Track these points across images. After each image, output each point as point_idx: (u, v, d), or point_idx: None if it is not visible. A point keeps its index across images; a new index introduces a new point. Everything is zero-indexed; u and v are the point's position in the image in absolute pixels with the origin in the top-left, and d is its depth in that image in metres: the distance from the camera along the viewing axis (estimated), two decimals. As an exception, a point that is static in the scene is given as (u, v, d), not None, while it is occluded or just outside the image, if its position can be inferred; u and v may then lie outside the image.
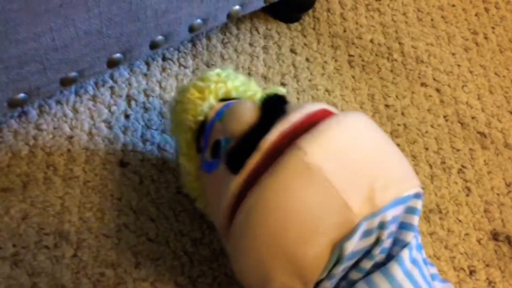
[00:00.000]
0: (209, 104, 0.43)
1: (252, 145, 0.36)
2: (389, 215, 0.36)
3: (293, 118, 0.37)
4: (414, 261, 0.37)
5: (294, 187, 0.35)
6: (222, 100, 0.44)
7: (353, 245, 0.35)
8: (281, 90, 0.43)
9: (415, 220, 0.38)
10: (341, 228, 0.35)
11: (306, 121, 0.37)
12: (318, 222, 0.35)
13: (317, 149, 0.35)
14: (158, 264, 0.50)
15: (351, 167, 0.35)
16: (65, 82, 0.47)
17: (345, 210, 0.34)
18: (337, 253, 0.35)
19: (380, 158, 0.37)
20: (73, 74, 0.47)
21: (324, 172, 0.34)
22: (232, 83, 0.45)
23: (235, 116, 0.39)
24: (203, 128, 0.43)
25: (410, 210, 0.38)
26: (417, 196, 0.38)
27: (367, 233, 0.36)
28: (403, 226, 0.38)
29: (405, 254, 0.36)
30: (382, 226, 0.36)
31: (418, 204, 0.38)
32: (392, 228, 0.37)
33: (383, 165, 0.37)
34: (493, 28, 0.78)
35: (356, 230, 0.34)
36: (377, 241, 0.36)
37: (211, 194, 0.42)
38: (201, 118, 0.43)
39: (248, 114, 0.38)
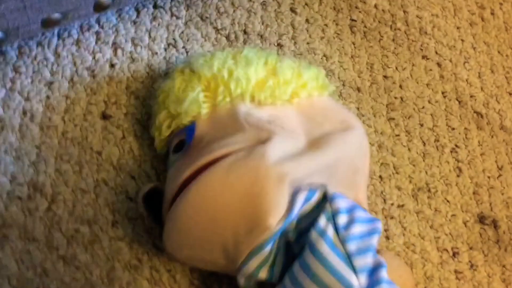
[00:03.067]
0: (163, 140, 0.48)
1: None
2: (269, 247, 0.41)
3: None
4: (321, 233, 0.39)
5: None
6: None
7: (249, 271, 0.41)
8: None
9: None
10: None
11: None
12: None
13: (170, 240, 0.43)
14: (136, 224, 0.48)
15: (206, 233, 0.42)
16: (47, 24, 0.44)
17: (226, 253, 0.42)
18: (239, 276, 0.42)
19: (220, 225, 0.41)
20: (56, 15, 0.43)
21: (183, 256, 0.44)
22: (185, 117, 0.46)
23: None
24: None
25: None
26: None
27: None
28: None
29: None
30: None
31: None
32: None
33: (224, 231, 0.41)
34: (501, 4, 0.75)
35: (245, 265, 0.41)
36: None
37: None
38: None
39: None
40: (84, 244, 0.46)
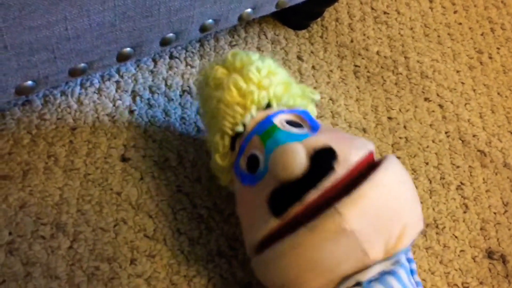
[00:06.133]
0: (250, 116, 0.44)
1: (297, 195, 0.39)
2: (402, 258, 0.41)
3: (339, 175, 0.39)
4: (403, 267, 0.42)
5: (325, 246, 0.38)
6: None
7: (365, 278, 0.39)
8: (312, 94, 0.48)
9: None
10: (356, 269, 0.39)
11: (350, 175, 0.40)
12: (338, 270, 0.39)
13: (354, 214, 0.37)
14: (154, 261, 0.50)
15: (377, 223, 0.39)
16: (74, 73, 0.47)
17: (363, 257, 0.39)
18: (347, 282, 0.39)
19: (401, 210, 0.40)
20: (82, 65, 0.47)
21: (355, 233, 0.38)
22: (274, 90, 0.45)
23: (283, 165, 0.40)
24: (240, 134, 0.45)
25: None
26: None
27: (382, 272, 0.40)
28: None
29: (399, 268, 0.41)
30: (396, 263, 0.40)
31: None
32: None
33: (402, 218, 0.40)
34: (498, 48, 0.78)
35: (369, 270, 0.39)
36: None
37: (243, 205, 0.45)
38: (240, 129, 0.45)
39: (296, 166, 0.39)
40: (104, 281, 0.48)
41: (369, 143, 0.43)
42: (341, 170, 0.39)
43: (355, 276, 0.39)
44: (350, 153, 0.39)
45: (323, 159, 0.39)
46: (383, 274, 0.39)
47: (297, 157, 0.39)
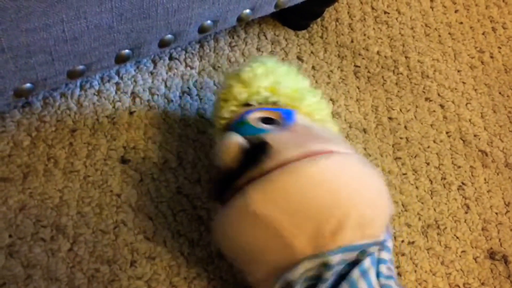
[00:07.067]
0: (230, 110, 0.49)
1: (229, 183, 0.43)
2: (334, 259, 0.39)
3: (267, 166, 0.41)
4: (363, 273, 0.39)
5: (240, 227, 0.41)
6: (247, 104, 0.49)
7: (294, 277, 0.39)
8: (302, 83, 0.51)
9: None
10: (284, 261, 0.40)
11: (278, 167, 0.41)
12: (266, 256, 0.41)
13: (260, 197, 0.40)
14: (154, 263, 0.49)
15: (296, 212, 0.39)
16: (72, 75, 0.47)
17: (288, 248, 0.40)
18: (279, 281, 0.40)
19: (334, 204, 0.40)
20: (81, 67, 0.47)
21: (267, 217, 0.39)
22: (256, 89, 0.48)
23: (217, 155, 0.44)
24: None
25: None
26: (376, 244, 0.41)
27: (309, 269, 0.39)
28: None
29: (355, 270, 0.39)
30: (325, 266, 0.39)
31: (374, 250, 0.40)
32: (339, 269, 0.39)
33: (335, 212, 0.39)
34: (499, 48, 0.78)
35: (296, 266, 0.39)
36: (321, 278, 0.39)
37: None
38: (224, 121, 0.49)
39: (226, 157, 0.43)
40: (104, 284, 0.48)
41: (328, 144, 0.43)
42: (270, 162, 0.41)
43: (285, 274, 0.39)
44: (286, 149, 0.41)
45: (254, 152, 0.42)
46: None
47: (228, 150, 0.43)
